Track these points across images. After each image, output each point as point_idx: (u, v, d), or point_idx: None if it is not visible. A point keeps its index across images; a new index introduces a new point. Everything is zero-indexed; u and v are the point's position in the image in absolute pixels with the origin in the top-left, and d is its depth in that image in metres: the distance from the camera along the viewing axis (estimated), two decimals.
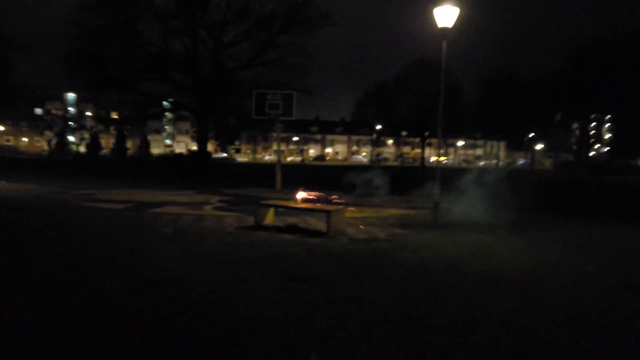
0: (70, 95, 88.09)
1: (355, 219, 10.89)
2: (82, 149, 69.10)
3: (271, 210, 9.76)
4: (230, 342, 3.83)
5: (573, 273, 6.36)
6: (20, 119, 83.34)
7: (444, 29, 9.69)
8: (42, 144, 77.91)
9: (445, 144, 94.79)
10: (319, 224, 9.59)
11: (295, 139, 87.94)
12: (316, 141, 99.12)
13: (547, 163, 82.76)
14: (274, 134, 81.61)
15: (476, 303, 5.00)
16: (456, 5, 9.60)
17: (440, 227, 9.93)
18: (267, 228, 9.18)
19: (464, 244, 8.09)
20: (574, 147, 68.89)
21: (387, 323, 4.34)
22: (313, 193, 10.03)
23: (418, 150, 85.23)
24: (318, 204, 9.53)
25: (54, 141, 66.48)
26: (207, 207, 12.57)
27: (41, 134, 72.15)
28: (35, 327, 4.04)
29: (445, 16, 9.51)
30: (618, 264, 7.07)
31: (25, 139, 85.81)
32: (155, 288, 5.16)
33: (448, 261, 6.82)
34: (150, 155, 73.26)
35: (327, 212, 8.80)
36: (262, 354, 3.64)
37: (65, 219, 9.72)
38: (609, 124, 71.13)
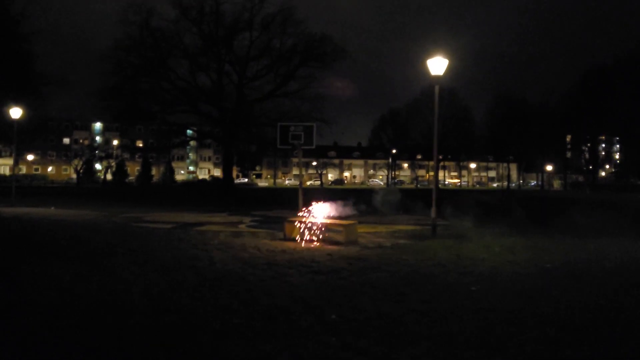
0: (97, 125, 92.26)
1: (368, 233, 12.91)
2: (109, 176, 72.28)
3: (297, 226, 11.83)
4: (278, 308, 5.83)
5: (531, 268, 8.27)
6: (49, 149, 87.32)
7: (437, 77, 11.80)
8: (69, 172, 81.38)
9: (459, 167, 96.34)
10: (337, 236, 11.60)
11: (314, 163, 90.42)
12: (334, 166, 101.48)
13: (557, 184, 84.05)
14: (295, 160, 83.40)
15: (451, 285, 6.97)
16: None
17: (438, 238, 11.89)
18: (294, 240, 11.24)
19: (453, 249, 10.04)
20: (584, 168, 70.11)
21: (386, 297, 6.33)
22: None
23: (433, 174, 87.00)
24: (335, 220, 11.61)
25: (81, 169, 69.78)
26: (242, 226, 14.74)
27: (69, 162, 75.62)
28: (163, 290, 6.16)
29: (437, 66, 11.60)
30: (571, 262, 8.94)
31: (50, 168, 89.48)
32: (220, 280, 7.20)
33: (437, 261, 8.80)
34: (175, 181, 76.22)
35: (343, 226, 10.87)
36: (299, 314, 5.62)
37: (132, 238, 11.81)
38: (618, 145, 72.23)
